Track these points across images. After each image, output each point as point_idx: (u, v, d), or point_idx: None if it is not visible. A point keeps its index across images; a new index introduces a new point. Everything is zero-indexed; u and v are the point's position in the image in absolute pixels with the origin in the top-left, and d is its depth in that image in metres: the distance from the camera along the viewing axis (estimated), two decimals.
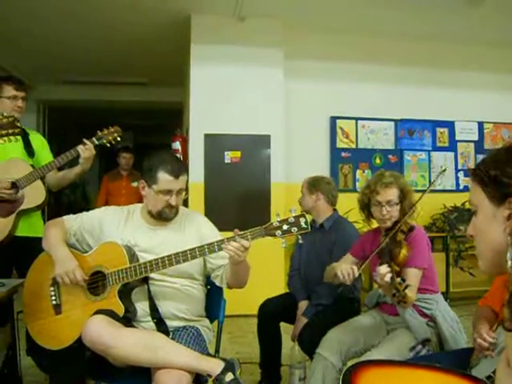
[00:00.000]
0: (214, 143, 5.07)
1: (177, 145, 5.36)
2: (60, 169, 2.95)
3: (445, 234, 5.45)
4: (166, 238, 2.21)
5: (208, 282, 2.36)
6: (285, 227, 1.94)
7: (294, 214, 1.95)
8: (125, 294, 2.08)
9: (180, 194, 2.19)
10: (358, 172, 5.64)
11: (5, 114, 2.21)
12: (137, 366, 1.88)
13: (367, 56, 5.57)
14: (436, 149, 5.87)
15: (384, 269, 2.00)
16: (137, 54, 6.10)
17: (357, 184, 5.58)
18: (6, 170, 2.75)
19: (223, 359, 1.94)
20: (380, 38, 5.52)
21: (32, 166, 2.85)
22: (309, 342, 2.50)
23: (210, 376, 1.85)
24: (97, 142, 2.79)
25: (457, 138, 5.91)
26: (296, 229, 1.94)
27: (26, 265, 2.30)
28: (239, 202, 5.08)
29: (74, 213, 2.37)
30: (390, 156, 5.72)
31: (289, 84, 5.30)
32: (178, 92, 6.94)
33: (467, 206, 5.35)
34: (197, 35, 5.10)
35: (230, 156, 5.09)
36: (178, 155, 5.27)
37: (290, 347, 2.80)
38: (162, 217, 2.21)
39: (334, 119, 5.60)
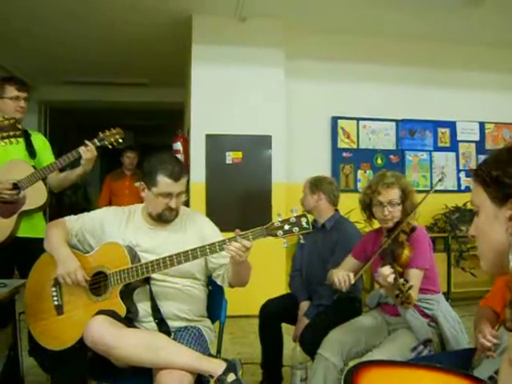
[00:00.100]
0: (216, 144, 5.07)
1: (178, 145, 5.36)
2: (61, 170, 2.95)
3: (446, 234, 5.45)
4: (167, 239, 2.21)
5: (209, 282, 2.37)
6: (286, 227, 1.94)
7: (295, 214, 1.95)
8: (126, 294, 2.09)
9: (180, 197, 2.19)
10: (360, 172, 5.64)
11: (6, 117, 2.22)
12: (138, 366, 1.88)
13: (368, 56, 5.57)
14: (437, 149, 5.86)
15: (387, 270, 2.00)
16: (138, 54, 6.10)
17: (358, 184, 5.58)
18: (7, 171, 2.75)
19: (225, 360, 1.94)
20: (381, 39, 5.52)
21: (34, 167, 2.86)
22: (310, 343, 2.50)
23: (211, 377, 1.85)
24: (98, 144, 2.80)
25: (458, 138, 5.91)
26: (297, 229, 1.94)
27: (27, 265, 2.30)
28: (240, 202, 5.08)
29: (76, 213, 2.37)
30: (392, 156, 5.72)
31: (290, 84, 5.31)
32: (179, 92, 6.94)
33: (469, 206, 5.34)
34: (198, 35, 5.10)
35: (231, 156, 5.10)
36: (179, 155, 5.27)
37: (291, 348, 2.80)
38: (162, 219, 2.21)
39: (335, 119, 5.60)
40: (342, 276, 2.24)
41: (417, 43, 5.63)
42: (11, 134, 2.19)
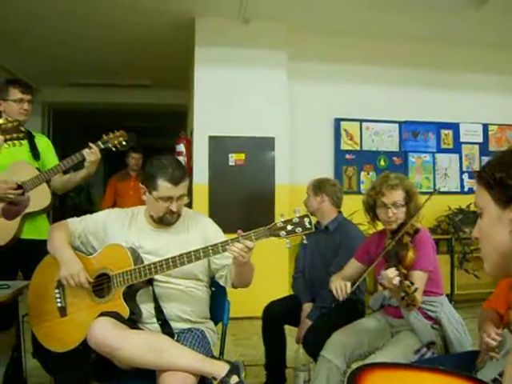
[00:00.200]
0: (219, 145, 5.08)
1: (181, 147, 5.37)
2: (65, 172, 2.96)
3: (450, 236, 5.43)
4: (170, 240, 2.22)
5: (212, 283, 2.37)
6: (289, 228, 1.94)
7: (298, 215, 1.95)
8: (130, 295, 2.09)
9: (181, 200, 2.18)
10: (363, 174, 5.63)
11: (9, 119, 2.23)
12: (142, 368, 1.88)
13: (371, 58, 5.57)
14: (440, 151, 5.85)
15: (392, 272, 1.99)
16: (140, 56, 6.11)
17: (361, 186, 5.58)
18: (12, 172, 2.76)
19: (228, 362, 1.94)
20: (384, 41, 5.52)
21: (38, 168, 2.86)
22: (313, 345, 2.49)
23: (215, 379, 1.85)
24: (102, 146, 2.81)
25: (461, 140, 5.90)
26: (300, 229, 1.94)
27: (31, 267, 2.31)
28: (243, 203, 5.08)
29: (79, 215, 2.37)
30: (395, 158, 5.71)
31: (293, 86, 5.31)
32: (182, 94, 6.94)
33: (472, 208, 5.34)
34: (201, 37, 5.10)
35: (234, 158, 5.10)
36: (182, 157, 5.28)
37: (294, 350, 2.80)
38: (164, 222, 2.22)
39: (338, 121, 5.60)
40: (339, 285, 2.25)
41: (419, 45, 5.63)
42: (14, 136, 2.20)
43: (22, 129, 2.24)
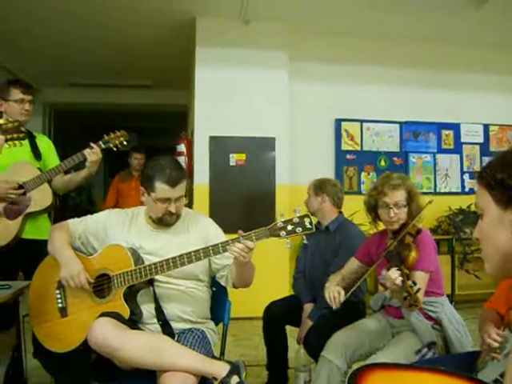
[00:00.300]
0: (219, 145, 5.08)
1: (182, 147, 5.37)
2: (66, 172, 2.96)
3: (450, 236, 5.43)
4: (170, 241, 2.22)
5: (213, 283, 2.37)
6: (289, 228, 1.94)
7: (298, 215, 1.95)
8: (130, 296, 2.09)
9: (179, 201, 2.18)
10: (363, 174, 5.63)
11: (9, 119, 2.23)
12: (142, 368, 1.88)
13: (372, 58, 5.57)
14: (441, 151, 5.85)
15: (394, 273, 1.98)
16: (142, 56, 6.11)
17: (362, 186, 5.58)
18: (13, 172, 2.77)
19: (229, 362, 1.94)
20: (384, 41, 5.52)
21: (39, 169, 2.87)
22: (314, 345, 2.49)
23: (215, 379, 1.85)
24: (103, 146, 2.81)
25: (462, 140, 5.89)
26: (301, 229, 1.94)
27: (32, 267, 2.31)
28: (244, 204, 5.08)
29: (80, 215, 2.38)
30: (395, 158, 5.71)
31: (293, 86, 5.31)
32: (183, 94, 6.95)
33: (473, 208, 5.33)
34: (202, 38, 5.11)
35: (234, 158, 5.10)
36: (183, 157, 5.28)
37: (295, 350, 2.80)
38: (163, 223, 2.22)
39: (338, 121, 5.60)
40: (333, 292, 2.25)
41: (420, 45, 5.62)
42: (15, 136, 2.21)
43: (23, 129, 2.25)
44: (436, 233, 5.36)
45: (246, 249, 1.94)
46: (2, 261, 2.72)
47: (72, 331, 2.07)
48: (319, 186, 3.08)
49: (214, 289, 2.39)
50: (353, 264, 2.57)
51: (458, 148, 5.88)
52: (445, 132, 5.85)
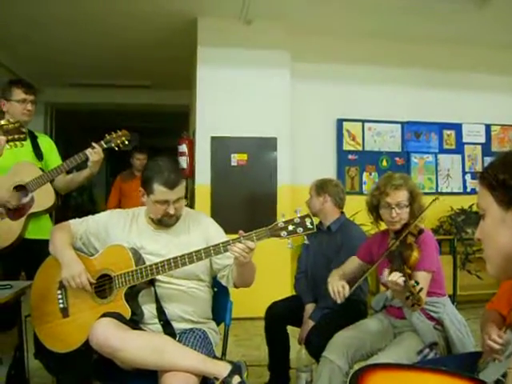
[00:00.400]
0: (221, 146, 5.08)
1: (183, 147, 5.36)
2: (68, 172, 2.96)
3: (452, 236, 5.42)
4: (171, 241, 2.22)
5: (215, 283, 2.37)
6: (290, 228, 1.94)
7: (299, 215, 1.95)
8: (131, 296, 2.09)
9: (178, 202, 2.18)
10: (365, 174, 5.62)
11: (10, 120, 2.24)
12: (143, 368, 1.88)
13: (373, 58, 5.56)
14: (443, 151, 5.83)
15: (394, 275, 1.98)
16: (143, 56, 6.10)
17: (363, 186, 5.57)
18: (15, 173, 2.78)
19: (230, 362, 1.94)
20: (386, 41, 5.51)
21: (41, 169, 2.87)
22: (316, 346, 2.49)
23: (216, 379, 1.85)
24: (105, 146, 2.81)
25: (464, 141, 5.88)
26: (301, 229, 1.94)
27: (34, 267, 2.31)
28: (246, 204, 5.08)
29: (81, 215, 2.38)
30: (397, 158, 5.70)
31: (295, 86, 5.30)
32: (184, 94, 6.95)
33: (474, 208, 5.32)
34: (203, 38, 5.11)
35: (236, 158, 5.10)
36: (184, 158, 5.28)
37: (296, 350, 2.80)
38: (163, 224, 2.22)
39: (340, 121, 5.59)
40: (337, 286, 2.24)
41: (422, 45, 5.61)
42: (16, 137, 2.21)
43: (23, 130, 2.25)
44: (438, 233, 5.35)
45: (247, 249, 1.94)
46: (4, 260, 2.73)
47: (73, 331, 2.07)
48: (321, 187, 3.08)
49: (215, 289, 2.39)
50: (353, 262, 2.57)
51: (459, 148, 5.87)
52: (446, 132, 5.84)
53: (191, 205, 5.14)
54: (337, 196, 3.06)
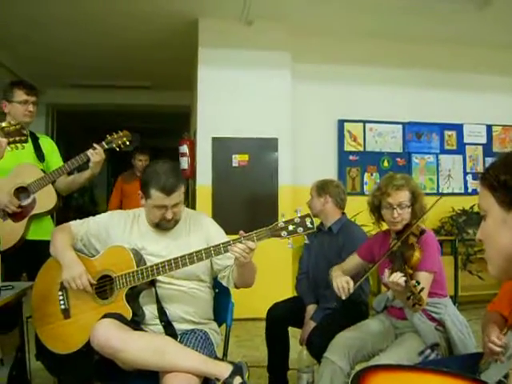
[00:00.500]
0: (222, 146, 5.08)
1: (184, 148, 5.37)
2: (69, 173, 2.96)
3: (453, 237, 5.42)
4: (171, 242, 2.22)
5: (216, 284, 2.37)
6: (290, 228, 1.94)
7: (299, 215, 1.95)
8: (132, 297, 2.09)
9: (176, 207, 2.17)
10: (366, 175, 5.62)
11: (12, 122, 2.25)
12: (145, 369, 1.88)
13: (374, 59, 5.56)
14: (444, 152, 5.83)
15: (395, 276, 1.98)
16: (144, 57, 6.11)
17: (365, 187, 5.57)
18: (17, 174, 2.78)
19: (231, 363, 1.94)
20: (388, 41, 5.51)
21: (42, 170, 2.87)
22: (317, 346, 2.49)
23: (218, 380, 1.85)
24: (106, 146, 2.81)
25: (465, 141, 5.88)
26: (302, 229, 1.94)
27: (36, 268, 2.31)
28: (247, 205, 5.08)
29: (82, 216, 2.38)
30: (398, 159, 5.70)
31: (296, 87, 5.31)
32: (185, 95, 6.96)
33: (476, 209, 5.32)
34: (204, 39, 5.11)
35: (237, 159, 5.10)
36: (185, 158, 5.28)
37: (298, 351, 2.79)
38: (161, 228, 2.22)
39: (341, 122, 5.59)
40: (341, 282, 2.23)
41: (423, 45, 5.61)
42: (17, 139, 2.22)
43: (25, 132, 2.26)
44: (439, 234, 5.34)
45: (247, 249, 1.94)
46: (6, 261, 2.72)
47: (75, 332, 2.08)
48: (322, 187, 3.08)
49: (216, 290, 2.39)
50: (354, 260, 2.57)
51: (460, 149, 5.87)
52: (447, 133, 5.84)
53: (192, 206, 5.15)
54: (338, 197, 3.06)
